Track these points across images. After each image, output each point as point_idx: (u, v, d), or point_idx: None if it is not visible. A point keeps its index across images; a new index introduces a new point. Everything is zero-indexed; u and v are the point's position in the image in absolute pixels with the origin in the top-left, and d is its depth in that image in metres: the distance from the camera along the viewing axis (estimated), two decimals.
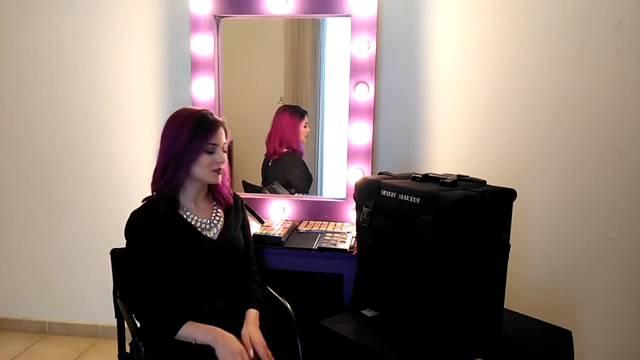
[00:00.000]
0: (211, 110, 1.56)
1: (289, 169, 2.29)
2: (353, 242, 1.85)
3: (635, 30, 1.98)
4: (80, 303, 2.60)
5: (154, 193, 1.53)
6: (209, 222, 1.56)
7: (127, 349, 1.63)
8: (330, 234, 1.95)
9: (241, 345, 1.40)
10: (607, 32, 2.00)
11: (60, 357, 2.43)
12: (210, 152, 1.50)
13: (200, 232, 1.53)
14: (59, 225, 2.55)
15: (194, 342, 1.40)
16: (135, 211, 1.51)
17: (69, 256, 2.57)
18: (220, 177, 1.55)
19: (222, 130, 1.53)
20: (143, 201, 1.55)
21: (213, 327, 1.43)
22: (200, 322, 1.45)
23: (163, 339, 1.43)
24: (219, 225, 1.58)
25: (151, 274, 1.45)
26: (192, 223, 1.53)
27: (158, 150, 1.52)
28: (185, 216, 1.53)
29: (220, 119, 1.55)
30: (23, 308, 2.66)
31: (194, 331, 1.41)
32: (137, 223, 1.49)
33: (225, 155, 1.56)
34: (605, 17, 1.99)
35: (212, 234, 1.55)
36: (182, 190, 1.55)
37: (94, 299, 2.56)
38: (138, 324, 1.50)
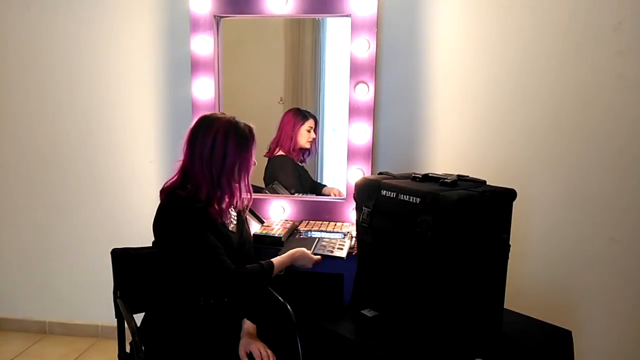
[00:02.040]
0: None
1: (279, 172, 2.27)
2: (353, 243, 1.85)
3: (635, 30, 1.98)
4: (80, 303, 2.60)
5: (199, 201, 1.49)
6: (229, 215, 1.60)
7: (127, 349, 1.63)
8: (327, 240, 1.90)
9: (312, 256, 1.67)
10: (607, 33, 2.00)
11: (60, 357, 2.43)
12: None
13: (228, 226, 1.57)
14: (59, 225, 2.55)
15: (281, 272, 1.59)
16: (175, 200, 1.47)
17: (69, 256, 2.57)
18: None
19: None
20: (165, 194, 1.51)
21: (285, 254, 1.61)
22: (204, 317, 1.48)
23: (265, 285, 1.55)
24: (234, 219, 1.62)
25: (219, 246, 1.46)
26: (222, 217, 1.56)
27: (202, 160, 1.47)
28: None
29: None
30: (23, 308, 2.66)
31: (278, 266, 1.56)
32: (186, 209, 1.46)
33: None
34: (605, 17, 1.99)
35: (231, 228, 1.59)
36: None
37: (94, 299, 2.55)
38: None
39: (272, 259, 1.57)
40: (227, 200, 1.53)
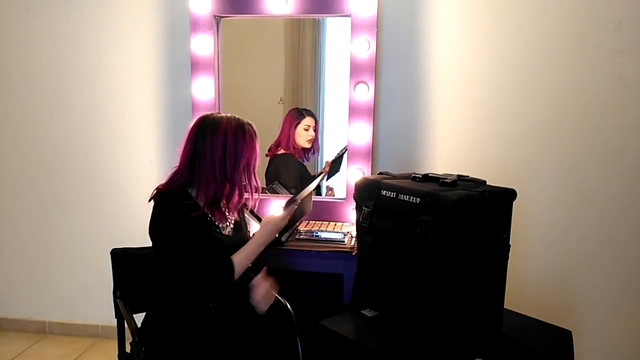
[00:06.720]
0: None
1: (282, 170, 2.28)
2: (353, 243, 1.85)
3: (635, 30, 1.98)
4: (80, 303, 2.60)
5: (202, 200, 1.50)
6: (223, 219, 1.58)
7: (127, 349, 1.63)
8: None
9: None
10: (607, 32, 2.00)
11: (60, 357, 2.43)
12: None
13: (217, 227, 1.55)
14: (59, 225, 2.55)
15: (250, 264, 1.52)
16: (168, 192, 1.49)
17: (69, 256, 2.57)
18: None
19: None
20: (160, 190, 1.52)
21: (248, 243, 1.54)
22: (203, 321, 1.46)
23: (228, 287, 1.47)
24: (231, 223, 1.60)
25: (194, 243, 1.45)
26: (213, 219, 1.55)
27: (212, 161, 1.48)
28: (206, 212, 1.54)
29: None
30: (23, 308, 2.66)
31: (243, 259, 1.50)
32: (176, 202, 1.47)
33: None
34: (605, 17, 1.99)
35: (226, 232, 1.58)
36: None
37: (94, 299, 2.55)
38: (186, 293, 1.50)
39: (232, 256, 1.50)
40: (236, 198, 1.54)
